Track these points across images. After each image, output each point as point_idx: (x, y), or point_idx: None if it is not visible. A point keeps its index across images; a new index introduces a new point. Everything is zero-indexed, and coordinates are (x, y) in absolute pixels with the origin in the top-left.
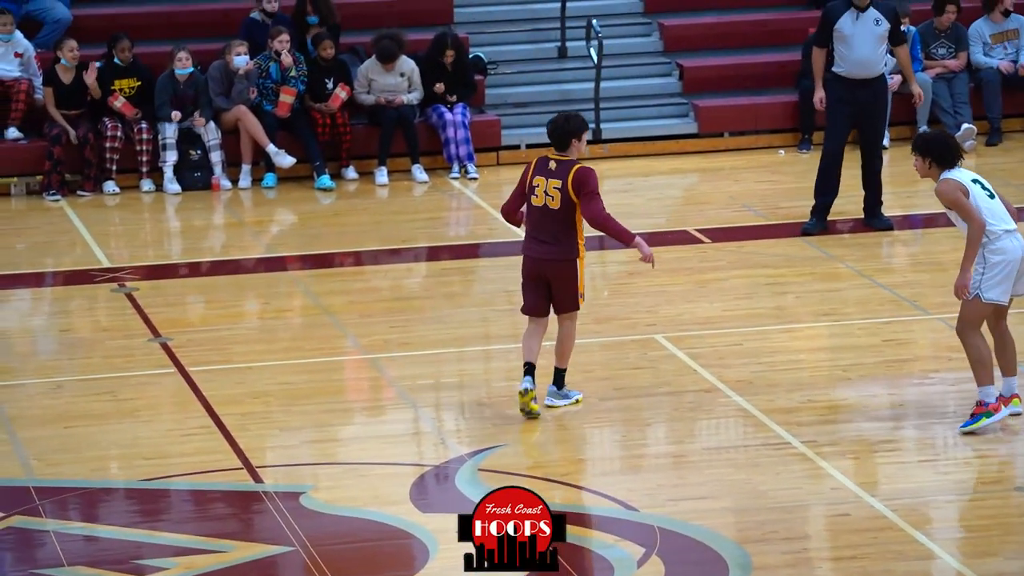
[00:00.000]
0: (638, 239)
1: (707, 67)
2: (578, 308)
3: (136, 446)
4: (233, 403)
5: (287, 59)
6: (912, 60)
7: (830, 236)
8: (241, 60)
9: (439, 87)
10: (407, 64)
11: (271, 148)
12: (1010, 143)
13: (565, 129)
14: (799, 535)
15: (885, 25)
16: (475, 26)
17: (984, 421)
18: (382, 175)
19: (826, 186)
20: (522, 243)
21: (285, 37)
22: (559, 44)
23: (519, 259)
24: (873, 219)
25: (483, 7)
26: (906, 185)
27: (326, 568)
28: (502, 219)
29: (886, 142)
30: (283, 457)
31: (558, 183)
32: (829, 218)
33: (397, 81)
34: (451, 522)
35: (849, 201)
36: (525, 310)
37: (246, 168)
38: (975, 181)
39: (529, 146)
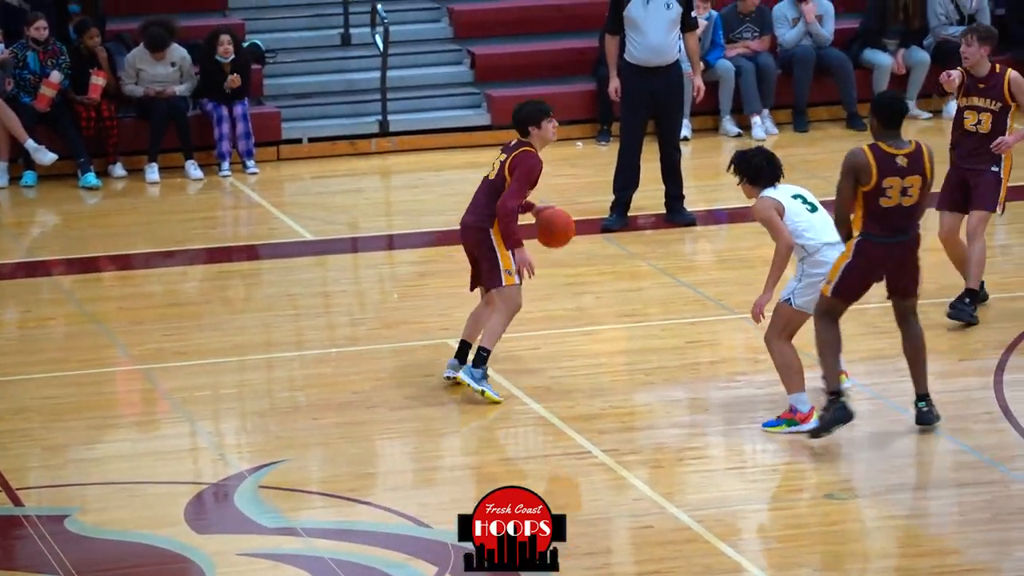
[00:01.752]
0: (520, 253)
1: (500, 55)
2: (501, 285)
3: None
4: None
5: (57, 77)
6: (714, 46)
7: (631, 232)
8: None
9: (234, 79)
10: (178, 53)
11: (30, 144)
12: (817, 132)
13: (518, 117)
14: (601, 549)
15: (677, 9)
16: (252, 12)
17: (785, 428)
18: (153, 172)
19: (625, 180)
20: None
21: (43, 24)
22: (342, 31)
23: (302, 261)
24: (675, 214)
25: None
26: (709, 178)
27: None
28: None
29: (687, 132)
30: (46, 478)
31: (503, 157)
32: (630, 213)
33: (168, 71)
34: (230, 543)
35: (650, 195)
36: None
37: (3, 165)
38: (796, 196)
39: (312, 140)
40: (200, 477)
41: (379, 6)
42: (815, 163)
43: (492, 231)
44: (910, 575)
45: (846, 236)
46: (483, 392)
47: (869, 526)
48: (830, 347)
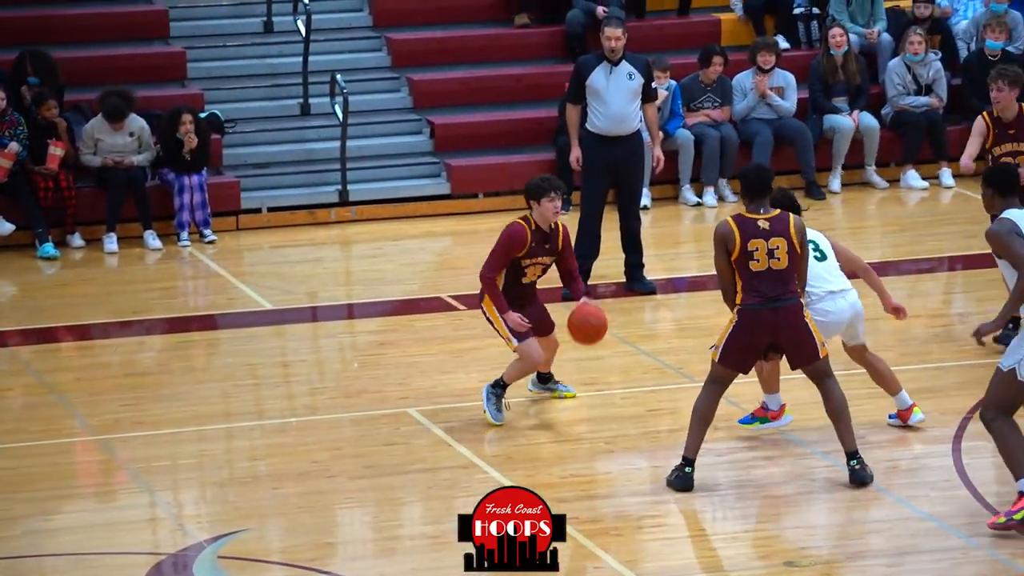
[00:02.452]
0: (508, 317)
1: (459, 124)
2: (509, 346)
3: None
4: None
5: (15, 148)
6: (673, 115)
7: (591, 300)
8: None
9: (191, 139)
10: (136, 123)
11: None
12: None
13: (524, 189)
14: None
15: (639, 79)
16: (210, 82)
17: (759, 425)
18: (111, 242)
19: (586, 248)
20: None
21: (1, 94)
22: (301, 100)
23: (261, 330)
24: (635, 283)
25: (219, 61)
26: (669, 246)
27: None
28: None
29: (647, 201)
30: (3, 550)
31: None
32: (590, 282)
33: (126, 141)
34: None
35: (610, 264)
36: None
37: None
38: (810, 241)
39: (271, 209)
40: (159, 547)
41: (338, 76)
42: None
43: (483, 303)
44: None
45: (731, 306)
46: (484, 411)
47: None
48: (703, 418)
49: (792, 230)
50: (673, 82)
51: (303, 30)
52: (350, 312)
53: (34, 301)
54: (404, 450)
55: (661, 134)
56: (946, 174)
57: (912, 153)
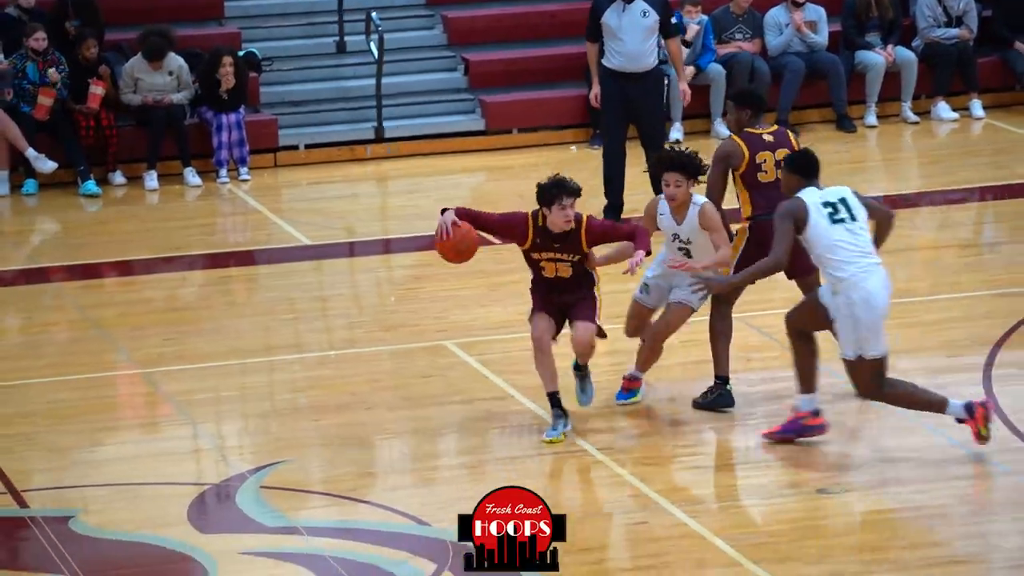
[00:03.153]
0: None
1: (493, 61)
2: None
3: None
4: None
5: (54, 76)
6: (705, 50)
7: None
8: None
9: (228, 79)
10: (175, 62)
11: (31, 153)
12: (808, 135)
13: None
14: (597, 545)
15: (653, 17)
16: (247, 20)
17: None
18: (151, 179)
19: (612, 186)
20: None
21: (42, 35)
22: (337, 38)
23: (300, 265)
24: None
25: (255, 0)
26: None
27: None
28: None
29: (679, 135)
30: (51, 480)
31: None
32: (624, 216)
33: (165, 80)
34: (232, 542)
35: (643, 198)
36: None
37: (4, 175)
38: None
39: (308, 146)
40: (202, 478)
41: (374, 14)
42: None
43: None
44: (899, 567)
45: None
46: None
47: (860, 520)
48: (724, 335)
49: (793, 141)
50: (704, 17)
51: None
52: (387, 247)
53: (77, 238)
54: (441, 382)
55: (691, 69)
56: (976, 105)
57: (943, 85)
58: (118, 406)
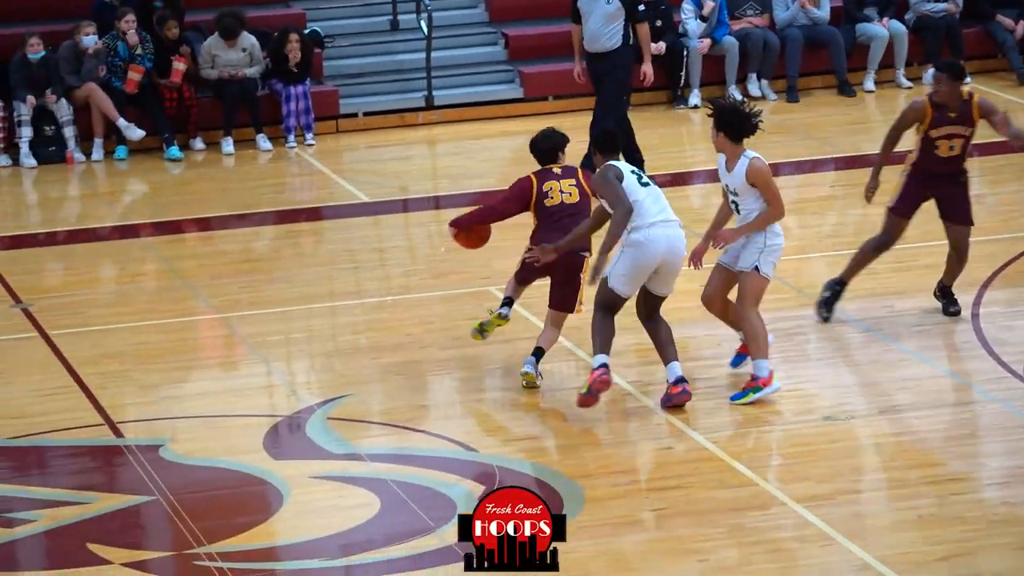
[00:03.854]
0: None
1: (531, 35)
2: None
3: (1, 407)
4: (92, 363)
5: (133, 38)
6: (720, 24)
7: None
8: (90, 40)
9: (295, 56)
10: (248, 40)
11: (121, 122)
12: (811, 99)
13: (545, 148)
14: (627, 468)
15: (616, 4)
16: (311, 2)
17: (751, 396)
18: (228, 145)
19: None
20: None
21: (131, 17)
22: (391, 17)
23: (359, 220)
24: None
25: None
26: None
27: (186, 515)
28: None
29: (697, 101)
30: (142, 412)
31: (571, 181)
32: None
33: (239, 56)
34: (303, 468)
35: (667, 157)
36: None
37: (98, 142)
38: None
39: (366, 114)
40: (276, 411)
41: None
42: (809, 125)
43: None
44: (900, 484)
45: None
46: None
47: (864, 443)
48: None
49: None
50: None
51: None
52: (437, 203)
53: (162, 197)
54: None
55: (708, 41)
56: None
57: (933, 53)
58: (199, 347)
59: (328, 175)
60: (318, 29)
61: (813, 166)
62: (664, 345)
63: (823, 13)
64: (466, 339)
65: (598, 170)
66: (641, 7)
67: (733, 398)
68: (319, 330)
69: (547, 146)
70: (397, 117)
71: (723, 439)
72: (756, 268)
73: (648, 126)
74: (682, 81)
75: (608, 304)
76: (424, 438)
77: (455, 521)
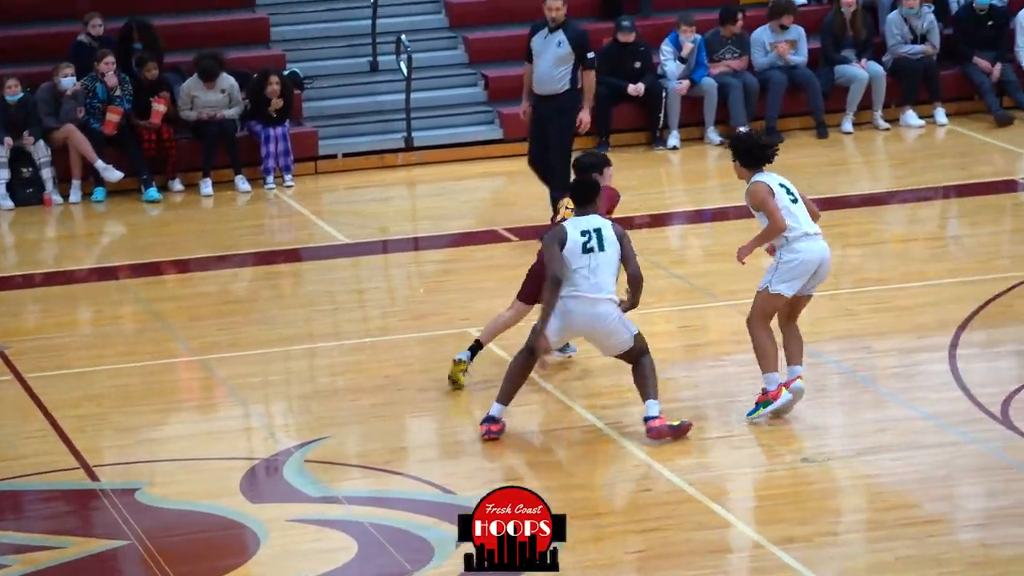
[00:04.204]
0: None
1: (510, 77)
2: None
3: None
4: (70, 406)
5: (112, 79)
6: (699, 65)
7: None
8: (68, 81)
9: (277, 101)
10: (227, 81)
11: (99, 164)
12: (790, 140)
13: (591, 167)
14: (606, 510)
15: (567, 48)
16: (291, 44)
17: (762, 411)
18: (207, 186)
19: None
20: None
21: (111, 59)
22: (371, 59)
23: (338, 262)
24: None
25: (298, 25)
26: (697, 182)
27: (161, 559)
28: None
29: (676, 142)
30: (118, 456)
31: None
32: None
33: (218, 97)
34: (280, 511)
35: (647, 199)
36: None
37: (76, 183)
38: (782, 185)
39: (345, 155)
40: (253, 453)
41: (403, 36)
42: (788, 168)
43: None
44: (877, 526)
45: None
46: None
47: (841, 485)
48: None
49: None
50: (699, 36)
51: None
52: (417, 244)
53: (141, 239)
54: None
55: (687, 83)
56: (940, 113)
57: (910, 95)
58: (178, 389)
59: (307, 216)
60: (297, 70)
61: None
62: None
63: (801, 57)
64: (445, 381)
65: (545, 234)
66: (591, 54)
67: (748, 415)
68: (297, 372)
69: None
70: (377, 158)
71: (700, 481)
72: (767, 287)
73: (627, 167)
74: (661, 122)
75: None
76: (402, 481)
77: (432, 564)
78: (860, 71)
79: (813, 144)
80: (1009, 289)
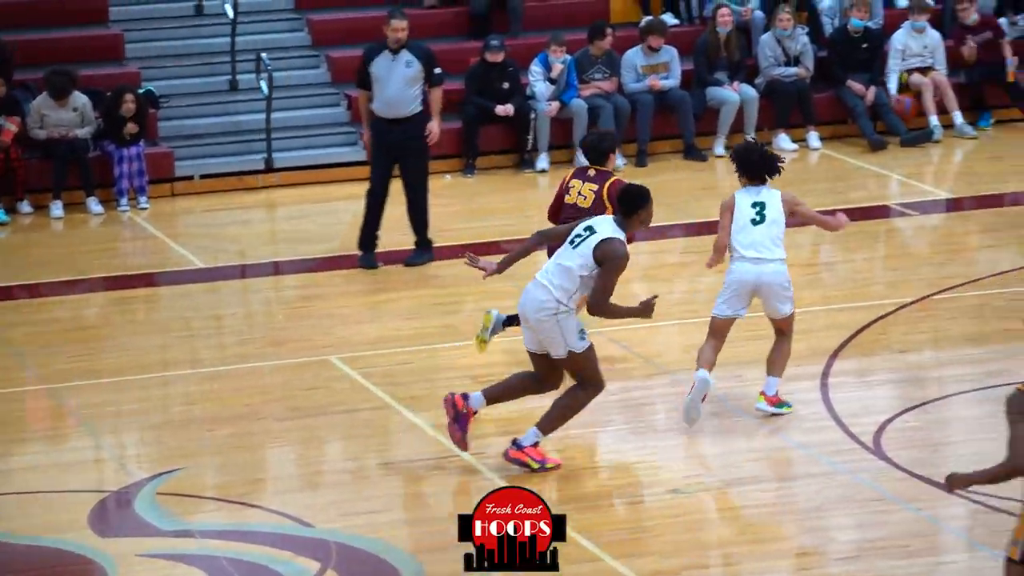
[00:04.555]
0: None
1: None
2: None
3: None
4: None
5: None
6: (568, 87)
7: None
8: None
9: (132, 126)
10: (79, 99)
11: None
12: (661, 163)
13: (600, 147)
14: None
15: (417, 67)
16: (146, 61)
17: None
18: (57, 208)
19: (368, 224)
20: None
21: None
22: (230, 77)
23: (195, 287)
24: (417, 256)
25: (154, 42)
26: None
27: None
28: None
29: (545, 165)
30: None
31: (594, 187)
32: (378, 249)
33: (70, 116)
34: (130, 545)
35: (506, 226)
36: None
37: None
38: (755, 204)
39: (203, 176)
40: (103, 485)
41: (263, 55)
42: (658, 190)
43: None
44: (748, 558)
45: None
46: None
47: (711, 516)
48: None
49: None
50: (569, 56)
51: (231, 12)
52: (276, 269)
53: None
54: (326, 393)
55: (556, 104)
56: (813, 137)
57: (783, 119)
58: (26, 420)
59: (163, 240)
60: (153, 89)
61: (663, 232)
62: None
63: (673, 81)
64: (304, 410)
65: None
66: (438, 70)
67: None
68: (152, 401)
69: (605, 146)
70: (235, 180)
71: (567, 513)
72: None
73: (495, 190)
74: (529, 144)
75: None
76: (259, 513)
77: None
78: (732, 94)
79: (684, 167)
80: (882, 317)
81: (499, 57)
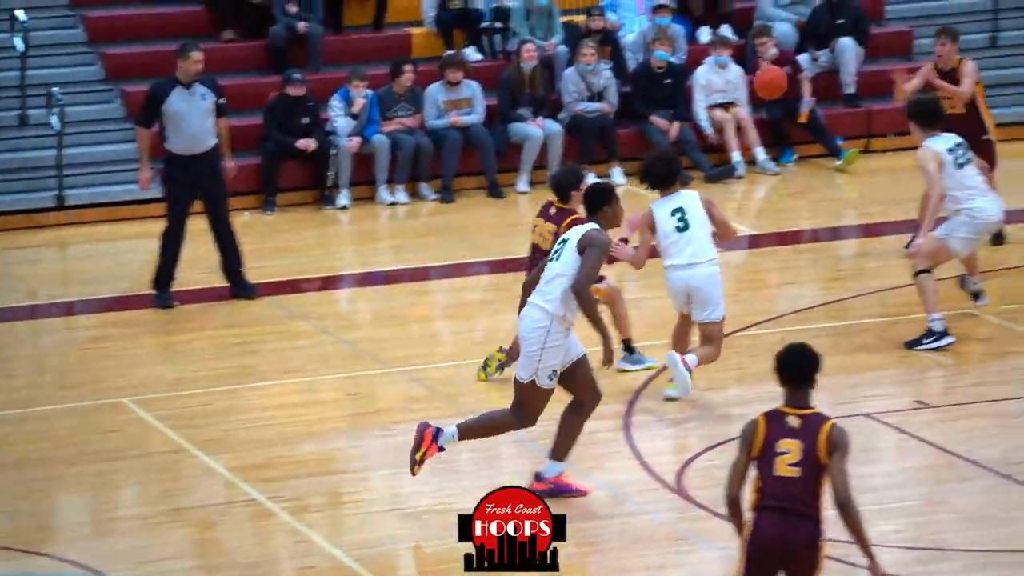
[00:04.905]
0: None
1: None
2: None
3: None
4: None
5: None
6: (370, 122)
7: (296, 295)
8: None
9: None
10: None
11: None
12: (465, 200)
13: (562, 183)
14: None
15: (211, 99)
16: None
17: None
18: None
19: (165, 263)
20: None
21: None
22: (20, 112)
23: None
24: (239, 288)
25: None
26: (367, 243)
27: None
28: None
29: (346, 201)
30: None
31: (552, 227)
32: (175, 288)
33: None
34: None
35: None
36: None
37: None
38: (675, 211)
39: None
40: None
41: (55, 89)
42: (462, 229)
43: None
44: None
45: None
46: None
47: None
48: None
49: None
50: (371, 91)
51: (21, 46)
52: (69, 309)
53: None
54: (119, 437)
55: (358, 139)
56: (617, 172)
57: (587, 154)
58: None
59: None
60: None
61: (464, 269)
62: None
63: (476, 117)
64: (97, 454)
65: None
66: (222, 100)
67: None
68: None
69: (568, 182)
70: (25, 217)
71: (366, 557)
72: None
73: (295, 228)
74: (330, 181)
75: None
76: (48, 562)
77: None
78: (535, 129)
79: (488, 204)
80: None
81: (301, 91)
